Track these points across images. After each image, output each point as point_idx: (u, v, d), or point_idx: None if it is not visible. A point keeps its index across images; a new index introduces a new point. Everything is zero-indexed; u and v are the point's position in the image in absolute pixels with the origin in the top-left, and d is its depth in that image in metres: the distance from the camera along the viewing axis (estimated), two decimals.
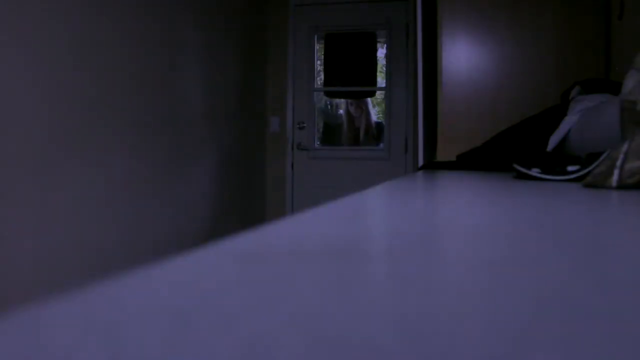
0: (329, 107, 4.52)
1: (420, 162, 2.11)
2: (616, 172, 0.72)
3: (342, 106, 4.45)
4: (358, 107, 4.30)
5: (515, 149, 1.47)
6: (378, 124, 4.29)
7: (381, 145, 4.14)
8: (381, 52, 4.22)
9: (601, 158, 0.88)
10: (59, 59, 1.93)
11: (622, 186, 0.72)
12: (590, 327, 0.14)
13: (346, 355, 0.12)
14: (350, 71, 4.15)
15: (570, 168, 0.93)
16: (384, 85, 4.12)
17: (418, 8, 2.12)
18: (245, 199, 3.69)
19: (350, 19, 4.10)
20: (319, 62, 4.24)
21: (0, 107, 1.68)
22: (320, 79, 4.25)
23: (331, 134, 4.42)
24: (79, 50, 2.03)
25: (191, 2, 2.87)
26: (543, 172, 0.96)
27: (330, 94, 4.31)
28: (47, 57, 1.87)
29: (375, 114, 4.38)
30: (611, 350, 0.12)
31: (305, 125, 4.13)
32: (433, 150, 2.25)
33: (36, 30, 1.82)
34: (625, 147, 0.74)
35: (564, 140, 1.35)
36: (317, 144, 4.21)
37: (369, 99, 4.30)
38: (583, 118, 1.25)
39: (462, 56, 2.04)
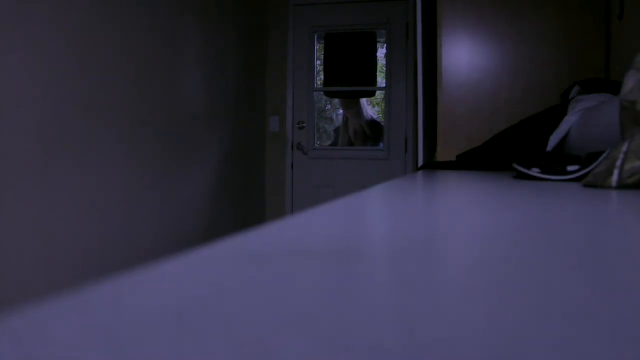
0: (329, 107, 4.52)
1: (420, 162, 2.11)
2: (616, 172, 0.72)
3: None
4: (348, 107, 4.28)
5: (515, 149, 1.47)
6: (375, 124, 4.27)
7: (381, 145, 4.14)
8: (381, 52, 4.22)
9: (601, 158, 0.88)
10: (60, 58, 1.93)
11: (622, 186, 0.72)
12: (590, 328, 0.14)
13: (346, 355, 0.12)
14: (350, 71, 4.15)
15: (570, 168, 0.93)
16: (384, 85, 4.12)
17: (418, 8, 2.12)
18: (245, 199, 3.69)
19: (350, 19, 4.10)
20: (319, 62, 4.24)
21: (1, 106, 1.68)
22: (320, 79, 4.24)
23: (330, 135, 4.42)
24: (80, 50, 2.03)
25: (191, 2, 2.87)
26: (543, 172, 0.96)
27: (329, 94, 4.30)
28: (47, 57, 1.87)
29: (374, 113, 4.38)
30: (611, 351, 0.12)
31: (305, 125, 4.13)
32: (433, 150, 2.25)
33: (35, 30, 1.82)
34: (625, 147, 0.74)
35: (564, 140, 1.35)
36: (317, 143, 4.21)
37: (363, 99, 4.29)
38: (583, 118, 1.25)
39: (462, 56, 2.04)
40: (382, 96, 4.20)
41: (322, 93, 4.27)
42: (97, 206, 2.12)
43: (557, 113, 1.44)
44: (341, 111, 4.42)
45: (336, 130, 4.38)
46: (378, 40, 4.18)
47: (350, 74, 4.15)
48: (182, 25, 2.77)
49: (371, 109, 4.44)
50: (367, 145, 4.20)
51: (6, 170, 1.71)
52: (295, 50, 4.16)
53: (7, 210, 1.71)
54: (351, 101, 4.24)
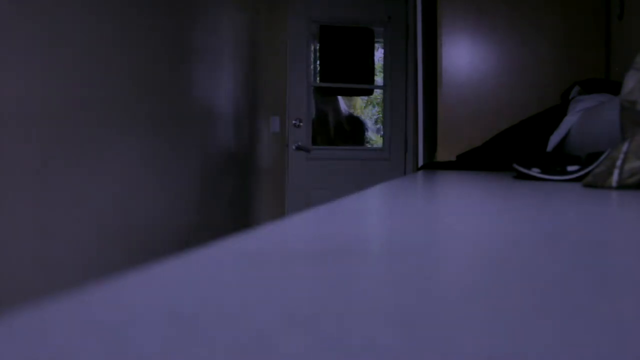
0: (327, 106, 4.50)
1: (420, 162, 2.11)
2: (616, 172, 0.72)
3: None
4: (325, 103, 4.24)
5: (515, 149, 1.47)
6: (354, 120, 4.24)
7: (379, 145, 4.14)
8: (380, 53, 4.22)
9: (601, 158, 0.88)
10: (59, 58, 1.93)
11: (622, 186, 0.72)
12: (590, 328, 0.14)
13: (346, 355, 0.12)
14: (346, 68, 4.14)
15: (570, 168, 0.93)
16: (383, 84, 4.13)
17: (418, 8, 2.12)
18: (244, 199, 3.69)
19: (350, 17, 4.10)
20: (318, 62, 4.24)
21: (0, 105, 1.68)
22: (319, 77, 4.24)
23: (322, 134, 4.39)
24: (80, 49, 2.03)
25: (188, 1, 2.87)
26: (543, 172, 0.96)
27: (324, 93, 4.27)
28: (46, 56, 1.87)
29: (352, 109, 4.35)
30: (611, 351, 0.12)
31: (302, 124, 4.12)
32: (433, 150, 2.25)
33: (35, 29, 1.82)
34: (625, 147, 0.74)
35: (564, 140, 1.35)
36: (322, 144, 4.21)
37: (339, 97, 4.28)
38: (583, 118, 1.25)
39: (462, 56, 2.04)
40: (382, 96, 4.21)
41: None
42: (97, 206, 2.12)
43: (557, 113, 1.44)
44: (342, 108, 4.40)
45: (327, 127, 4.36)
46: (376, 40, 4.18)
47: (347, 70, 4.13)
48: (180, 24, 2.77)
49: (347, 104, 4.41)
50: (348, 143, 4.19)
51: (6, 170, 1.71)
52: (294, 49, 4.16)
53: (7, 210, 1.71)
54: (329, 97, 4.23)
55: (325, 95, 4.24)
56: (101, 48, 2.15)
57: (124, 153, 2.30)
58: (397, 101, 4.06)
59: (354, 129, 4.19)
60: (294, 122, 4.09)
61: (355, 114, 4.28)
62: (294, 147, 4.11)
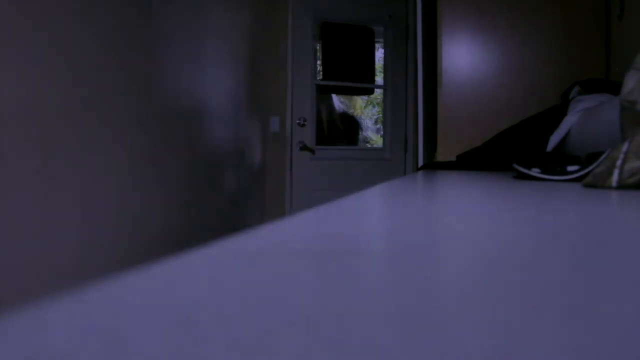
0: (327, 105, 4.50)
1: (421, 162, 2.11)
2: (616, 172, 0.72)
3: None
4: (320, 101, 4.23)
5: (515, 149, 1.47)
6: (348, 118, 4.23)
7: (375, 145, 4.14)
8: (380, 53, 4.22)
9: (601, 158, 0.88)
10: (58, 58, 1.93)
11: (622, 186, 0.72)
12: (590, 328, 0.14)
13: (346, 356, 0.12)
14: (348, 66, 4.13)
15: (570, 168, 0.93)
16: (383, 84, 4.12)
17: (418, 8, 2.12)
18: (244, 199, 3.69)
19: (351, 16, 4.10)
20: (319, 62, 4.23)
21: (0, 105, 1.68)
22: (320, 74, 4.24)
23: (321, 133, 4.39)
24: (78, 49, 2.03)
25: (189, 1, 2.87)
26: (543, 172, 0.96)
27: (323, 91, 4.27)
28: (46, 56, 1.87)
29: (347, 108, 4.34)
30: (611, 351, 0.12)
31: (306, 123, 4.11)
32: (433, 150, 2.25)
33: (36, 30, 1.82)
34: (625, 147, 0.74)
35: (564, 140, 1.35)
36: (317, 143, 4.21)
37: (333, 95, 4.28)
38: (583, 118, 1.25)
39: (462, 56, 2.04)
40: (382, 95, 4.21)
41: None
42: (97, 206, 2.12)
43: (557, 113, 1.44)
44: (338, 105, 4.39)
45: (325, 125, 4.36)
46: (376, 40, 4.18)
47: (348, 68, 4.13)
48: (180, 24, 2.77)
49: (340, 102, 4.41)
50: (342, 142, 4.19)
51: (6, 170, 1.71)
52: (295, 47, 4.16)
53: (7, 210, 1.71)
54: (322, 95, 4.22)
55: (320, 94, 4.23)
56: (101, 48, 2.15)
57: (125, 153, 2.30)
58: (397, 101, 4.06)
59: (347, 128, 4.19)
60: (297, 121, 4.08)
61: (349, 112, 4.27)
62: (298, 148, 4.09)
